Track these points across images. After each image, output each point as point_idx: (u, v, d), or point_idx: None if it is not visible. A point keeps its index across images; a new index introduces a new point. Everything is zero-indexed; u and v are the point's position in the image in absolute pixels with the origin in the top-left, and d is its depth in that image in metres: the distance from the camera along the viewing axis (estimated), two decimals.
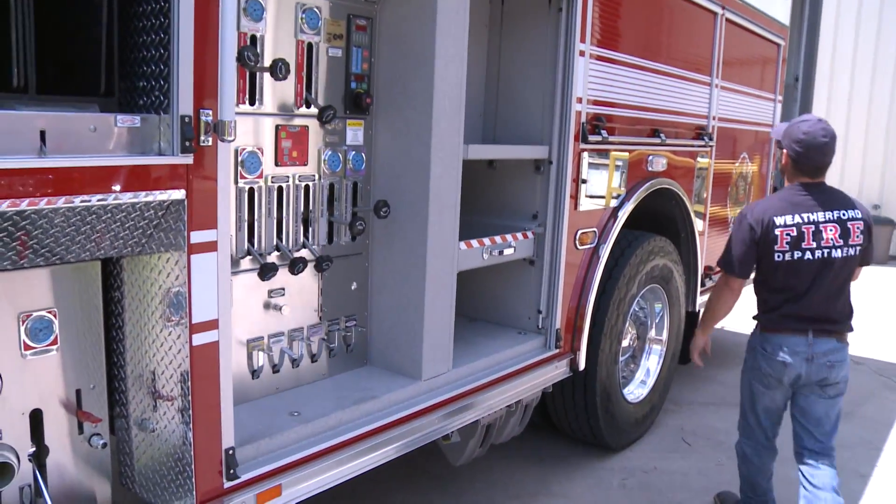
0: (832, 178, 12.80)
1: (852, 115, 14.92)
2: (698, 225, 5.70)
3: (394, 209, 3.43)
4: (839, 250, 3.64)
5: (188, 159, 2.38)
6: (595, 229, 4.48)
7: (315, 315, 3.39)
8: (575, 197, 4.22)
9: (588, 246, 4.45)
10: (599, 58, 4.31)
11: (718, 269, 4.10)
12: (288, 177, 3.15)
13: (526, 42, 4.21)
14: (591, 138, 4.24)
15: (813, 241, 3.61)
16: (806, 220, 3.63)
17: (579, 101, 4.11)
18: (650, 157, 4.92)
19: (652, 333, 5.41)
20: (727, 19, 5.77)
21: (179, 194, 2.39)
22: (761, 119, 6.88)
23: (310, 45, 3.16)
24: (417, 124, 3.35)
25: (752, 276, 3.94)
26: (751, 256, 3.76)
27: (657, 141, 4.96)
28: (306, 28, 3.12)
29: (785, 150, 3.74)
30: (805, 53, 15.26)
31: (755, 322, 3.92)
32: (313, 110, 3.16)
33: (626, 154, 4.68)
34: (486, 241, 3.82)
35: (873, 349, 8.27)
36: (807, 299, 3.67)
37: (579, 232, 4.32)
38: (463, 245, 3.66)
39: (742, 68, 6.35)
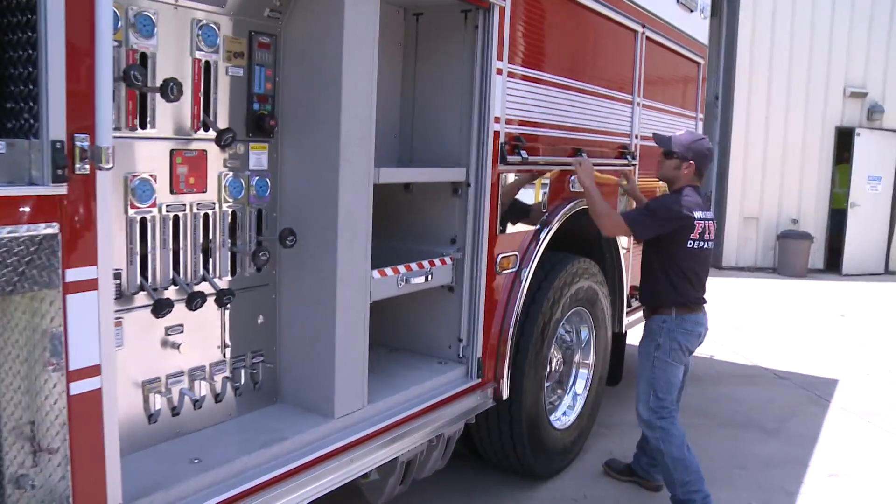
0: (753, 193, 13.04)
1: (770, 132, 15.24)
2: (623, 244, 5.62)
3: (301, 238, 3.22)
4: (711, 242, 4.44)
5: (61, 189, 2.14)
6: (517, 253, 4.35)
7: (218, 352, 3.16)
8: (494, 220, 4.08)
9: (510, 270, 4.31)
10: (518, 76, 4.20)
11: (621, 222, 4.47)
12: (185, 205, 2.93)
13: (442, 60, 4.06)
14: (511, 159, 4.11)
15: (707, 234, 4.39)
16: (705, 216, 4.38)
17: (497, 120, 3.97)
18: (572, 177, 4.82)
19: (578, 357, 5.30)
20: (647, 38, 5.74)
21: (52, 228, 2.15)
22: None
23: (207, 64, 2.95)
24: (325, 147, 3.17)
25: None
26: (655, 232, 4.35)
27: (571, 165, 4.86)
28: (203, 45, 2.91)
29: (691, 161, 4.42)
30: (724, 73, 15.66)
31: (665, 308, 4.42)
32: (212, 133, 2.95)
33: (548, 174, 4.57)
34: (402, 268, 3.65)
35: (797, 364, 8.35)
36: (702, 282, 4.51)
37: (500, 256, 4.18)
38: (376, 274, 3.48)
39: (663, 87, 6.34)
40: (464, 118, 3.97)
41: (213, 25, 2.93)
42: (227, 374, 3.20)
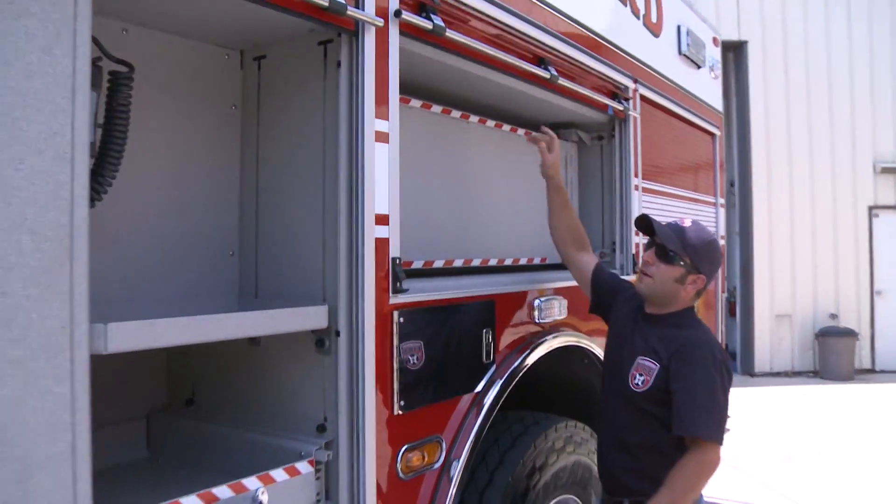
0: (783, 287, 11.27)
1: (796, 218, 13.60)
2: None
3: None
4: None
5: None
6: (439, 437, 2.63)
7: None
8: (388, 388, 2.38)
9: (428, 468, 2.58)
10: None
11: (696, 439, 2.59)
12: None
13: (293, 125, 2.48)
14: (411, 285, 2.45)
15: None
16: None
17: (383, 221, 2.33)
18: (537, 303, 3.15)
19: None
20: (643, 97, 4.18)
21: None
22: None
23: None
24: None
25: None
26: None
27: (543, 279, 3.22)
28: None
29: (702, 274, 2.80)
30: (738, 157, 14.16)
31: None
32: None
33: (490, 300, 2.89)
34: (191, 500, 1.94)
35: None
36: None
37: (406, 448, 2.46)
38: None
39: (669, 164, 4.74)
40: (328, 219, 2.34)
41: None
42: None
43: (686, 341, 2.71)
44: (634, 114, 4.00)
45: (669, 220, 3.00)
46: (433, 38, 2.56)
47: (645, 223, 2.89)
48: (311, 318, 2.25)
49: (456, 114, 3.17)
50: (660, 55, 4.46)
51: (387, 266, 2.34)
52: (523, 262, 3.62)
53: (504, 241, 3.51)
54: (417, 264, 2.90)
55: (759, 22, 13.56)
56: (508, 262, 3.50)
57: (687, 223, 2.88)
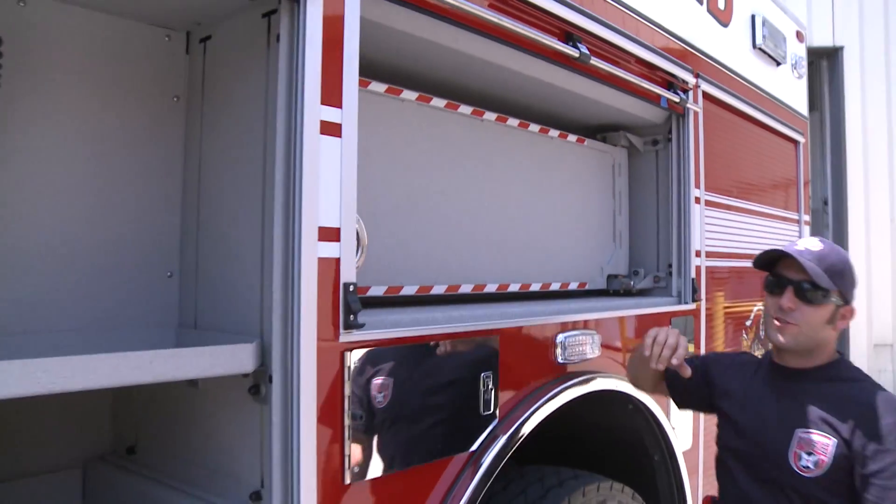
0: (883, 314, 10.23)
1: None
2: (685, 439, 3.30)
3: None
4: None
5: None
6: None
7: None
8: (338, 451, 1.85)
9: None
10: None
11: None
12: None
13: (236, 116, 2.01)
14: (375, 318, 1.93)
15: None
16: None
17: (328, 236, 1.82)
18: (560, 339, 2.59)
19: None
20: (705, 94, 3.58)
21: None
22: None
23: None
24: None
25: None
26: None
27: (564, 312, 2.67)
28: None
29: (850, 305, 2.22)
30: (832, 172, 13.14)
31: None
32: None
33: (491, 336, 2.34)
34: None
35: None
36: None
37: None
38: None
39: (739, 174, 4.10)
40: (267, 226, 1.84)
41: None
42: None
43: (869, 405, 2.07)
44: (695, 107, 3.41)
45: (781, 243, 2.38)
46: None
47: (770, 258, 2.22)
48: (228, 359, 1.74)
49: (466, 109, 2.65)
50: (728, 48, 3.85)
51: (336, 294, 1.82)
52: (556, 286, 3.07)
53: (531, 263, 2.97)
54: (409, 290, 2.39)
55: (857, 26, 12.59)
56: (536, 287, 2.95)
57: (816, 244, 2.20)
